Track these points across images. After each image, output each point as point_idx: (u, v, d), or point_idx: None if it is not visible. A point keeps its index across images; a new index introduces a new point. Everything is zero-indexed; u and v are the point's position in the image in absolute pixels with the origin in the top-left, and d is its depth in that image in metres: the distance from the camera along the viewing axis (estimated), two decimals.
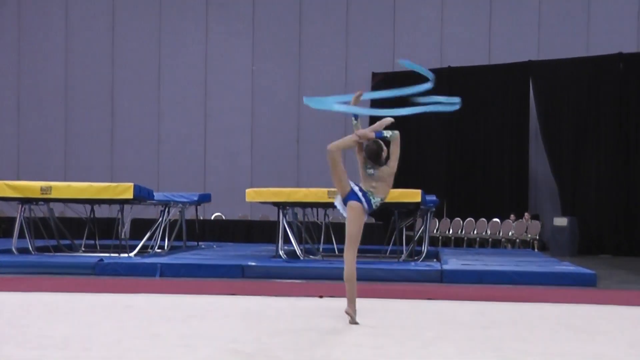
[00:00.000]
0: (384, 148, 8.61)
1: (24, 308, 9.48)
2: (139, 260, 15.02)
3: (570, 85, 24.29)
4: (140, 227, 19.56)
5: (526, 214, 24.55)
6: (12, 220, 19.09)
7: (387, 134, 8.66)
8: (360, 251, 19.06)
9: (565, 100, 24.37)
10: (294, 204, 16.44)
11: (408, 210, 16.39)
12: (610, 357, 6.75)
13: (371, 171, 8.55)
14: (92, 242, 18.87)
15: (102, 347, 6.81)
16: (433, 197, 16.48)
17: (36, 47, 30.45)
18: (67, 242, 18.47)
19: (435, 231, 24.81)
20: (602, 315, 9.66)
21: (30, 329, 7.79)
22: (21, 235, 16.78)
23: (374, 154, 8.51)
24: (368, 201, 8.54)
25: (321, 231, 18.83)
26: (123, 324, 8.29)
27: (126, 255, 15.75)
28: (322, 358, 6.45)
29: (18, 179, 25.28)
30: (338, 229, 20.46)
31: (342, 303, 10.32)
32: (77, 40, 30.33)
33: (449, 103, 9.62)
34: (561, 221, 22.55)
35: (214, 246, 20.78)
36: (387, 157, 8.58)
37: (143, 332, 7.72)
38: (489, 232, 24.73)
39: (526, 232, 24.09)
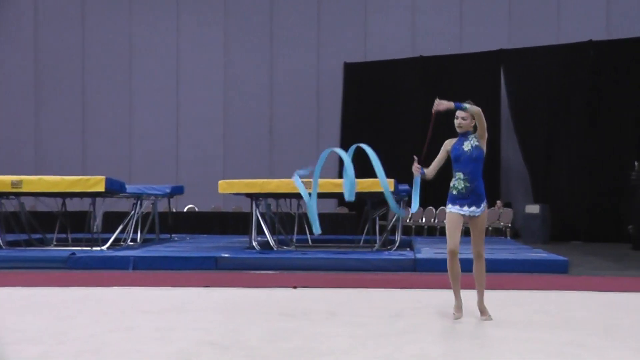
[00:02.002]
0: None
1: None
2: (112, 253, 14.94)
3: (541, 73, 24.42)
4: (112, 220, 19.49)
5: (498, 202, 24.64)
6: None
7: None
8: (333, 241, 19.20)
9: (536, 88, 24.49)
10: (266, 195, 16.42)
11: (381, 199, 16.40)
12: (584, 342, 6.79)
13: None
14: (63, 235, 18.77)
15: (76, 341, 6.76)
16: (406, 186, 16.50)
17: (5, 39, 30.19)
18: (39, 236, 18.37)
19: (408, 220, 24.86)
20: (575, 301, 9.71)
21: (2, 324, 7.72)
22: None
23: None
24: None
25: (294, 222, 18.84)
26: (97, 317, 8.24)
27: (98, 248, 15.68)
28: (299, 348, 6.45)
29: None
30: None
31: (315, 293, 10.35)
32: (47, 31, 30.10)
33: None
34: (533, 208, 22.69)
35: (187, 238, 20.72)
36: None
37: (117, 325, 7.68)
38: None
39: (498, 219, 24.19)
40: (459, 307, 8.14)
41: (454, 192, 8.13)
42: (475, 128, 8.23)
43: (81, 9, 29.95)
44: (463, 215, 8.17)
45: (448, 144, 8.47)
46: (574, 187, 23.65)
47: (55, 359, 6.05)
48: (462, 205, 8.15)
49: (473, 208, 8.20)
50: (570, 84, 23.95)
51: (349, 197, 8.56)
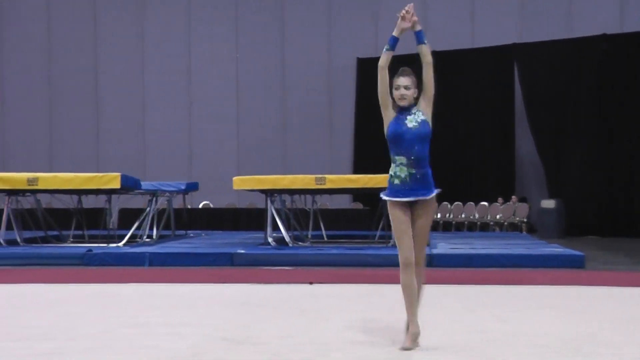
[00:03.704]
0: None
1: (11, 299, 9.45)
2: (128, 249, 14.98)
3: (554, 67, 24.30)
4: (128, 216, 19.53)
5: (513, 197, 24.60)
6: None
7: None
8: (348, 237, 19.20)
9: (549, 82, 24.39)
10: (281, 191, 16.43)
11: None
12: (599, 337, 6.77)
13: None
14: (80, 232, 18.83)
15: (89, 337, 6.79)
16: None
17: (19, 39, 30.27)
18: (55, 233, 18.44)
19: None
20: (590, 296, 9.69)
21: (17, 320, 7.76)
22: (8, 227, 16.72)
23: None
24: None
25: (309, 218, 18.85)
26: (111, 313, 8.27)
27: (114, 245, 15.71)
28: (311, 344, 6.45)
29: (3, 170, 25.19)
30: (326, 215, 20.51)
31: (331, 289, 10.36)
32: (60, 30, 30.16)
33: None
34: (548, 203, 22.62)
35: (203, 234, 20.76)
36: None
37: (131, 321, 7.70)
38: (477, 215, 24.77)
39: (514, 214, 24.14)
40: (414, 334, 6.27)
41: (396, 181, 6.30)
42: (416, 100, 6.44)
43: (93, 6, 30.01)
44: (409, 205, 6.33)
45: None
46: (589, 181, 23.55)
47: (67, 355, 6.07)
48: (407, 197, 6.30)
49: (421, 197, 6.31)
50: (584, 78, 23.84)
51: None
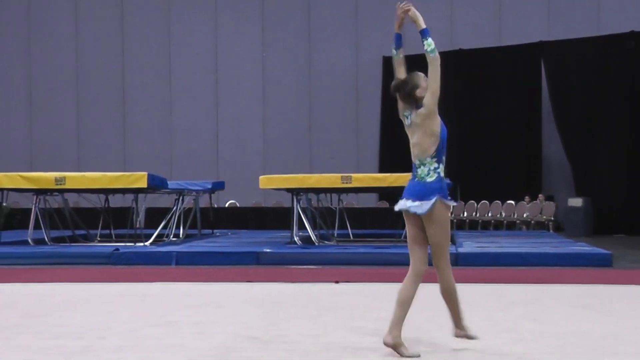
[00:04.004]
0: (419, 74, 6.48)
1: (40, 298, 9.51)
2: (155, 249, 15.06)
3: (582, 64, 24.19)
4: (154, 216, 19.60)
5: (540, 195, 24.49)
6: (27, 211, 19.15)
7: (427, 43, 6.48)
8: (374, 236, 19.20)
9: (577, 80, 24.27)
10: (307, 190, 16.44)
11: None
12: (629, 336, 6.73)
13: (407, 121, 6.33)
14: (107, 231, 18.94)
15: (117, 336, 6.83)
16: (447, 180, 16.44)
17: (46, 38, 30.46)
18: (83, 232, 18.56)
19: (450, 214, 24.72)
20: (618, 295, 9.63)
21: (46, 319, 7.81)
22: (36, 227, 16.86)
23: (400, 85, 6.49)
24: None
25: (335, 217, 18.85)
26: (139, 312, 8.31)
27: (141, 244, 15.79)
28: (339, 343, 6.45)
29: (31, 170, 25.36)
30: (352, 214, 20.51)
31: (357, 288, 10.36)
32: (87, 30, 30.33)
33: None
34: (575, 202, 22.50)
35: (229, 233, 20.81)
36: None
37: (158, 320, 7.74)
38: (503, 214, 24.69)
39: (541, 213, 24.04)
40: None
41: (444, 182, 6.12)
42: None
43: (121, 7, 30.15)
44: None
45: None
46: (617, 179, 23.42)
47: (96, 353, 6.11)
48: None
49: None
50: (611, 76, 23.71)
51: None
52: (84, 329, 7.16)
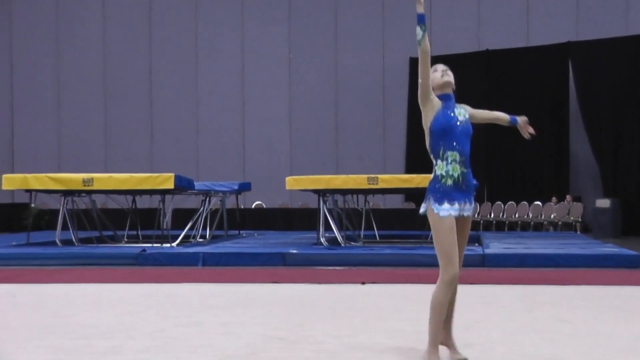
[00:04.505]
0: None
1: (69, 299, 9.58)
2: (182, 249, 15.09)
3: (610, 65, 24.05)
4: (181, 217, 19.68)
5: (568, 196, 24.36)
6: (55, 212, 19.29)
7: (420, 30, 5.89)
8: (401, 237, 19.16)
9: (605, 80, 24.14)
10: (333, 191, 16.44)
11: None
12: None
13: None
14: (134, 232, 19.01)
15: (146, 336, 6.86)
16: (473, 181, 16.38)
17: (74, 39, 30.66)
18: (110, 233, 18.65)
19: (476, 215, 24.69)
20: None
21: (75, 319, 7.87)
22: (64, 227, 16.95)
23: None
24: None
25: (362, 217, 18.85)
26: (166, 312, 8.35)
27: (168, 245, 15.84)
28: (365, 344, 6.46)
29: (59, 171, 25.55)
30: (378, 215, 20.50)
31: (383, 289, 10.35)
32: (115, 31, 30.50)
33: None
34: (603, 202, 22.35)
35: (255, 234, 20.84)
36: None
37: (186, 320, 7.77)
38: (530, 215, 24.58)
39: (568, 214, 23.91)
40: (450, 345, 5.79)
41: (449, 182, 5.58)
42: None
43: (148, 9, 30.29)
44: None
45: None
46: None
47: (125, 353, 6.14)
48: (459, 203, 5.60)
49: (468, 205, 5.69)
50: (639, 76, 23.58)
51: None
52: (112, 330, 7.21)
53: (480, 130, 26.63)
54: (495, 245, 15.50)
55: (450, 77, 5.81)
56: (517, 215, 24.73)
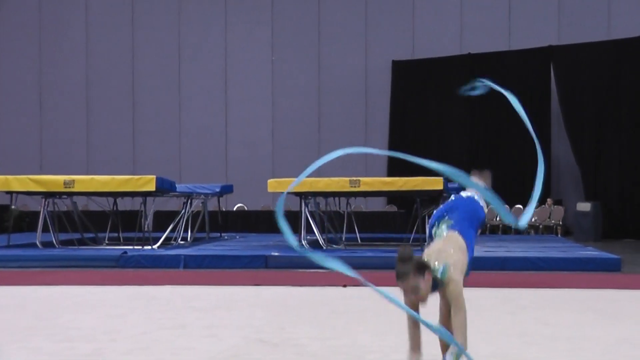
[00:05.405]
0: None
1: (50, 301, 9.55)
2: (163, 252, 15.07)
3: (592, 69, 24.15)
4: (163, 219, 19.63)
5: (549, 199, 24.44)
6: (36, 214, 19.18)
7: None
8: (382, 239, 19.18)
9: (587, 84, 24.23)
10: (315, 194, 16.44)
11: (430, 197, 16.36)
12: (637, 341, 6.73)
13: None
14: (115, 234, 18.96)
15: (129, 338, 6.85)
16: (455, 184, 16.43)
17: (57, 41, 30.54)
18: (91, 235, 18.57)
19: None
20: (627, 300, 9.62)
21: (58, 322, 7.85)
22: (45, 229, 16.87)
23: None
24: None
25: (343, 220, 18.86)
26: (149, 315, 8.33)
27: (150, 247, 15.82)
28: (347, 346, 6.46)
29: (41, 173, 25.42)
30: (360, 218, 20.52)
31: (365, 291, 10.35)
32: (98, 32, 30.39)
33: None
34: (584, 206, 22.44)
35: (237, 237, 20.84)
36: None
37: (169, 323, 7.76)
38: None
39: (549, 217, 24.00)
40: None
41: None
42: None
43: (131, 11, 30.20)
44: None
45: None
46: (626, 184, 23.39)
47: (108, 356, 6.13)
48: None
49: None
50: (621, 80, 23.66)
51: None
52: (95, 332, 7.19)
53: (463, 133, 26.75)
54: (477, 248, 15.50)
55: (409, 296, 5.31)
56: (498, 219, 24.80)
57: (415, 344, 5.38)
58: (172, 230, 17.42)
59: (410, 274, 5.05)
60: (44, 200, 16.81)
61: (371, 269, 13.32)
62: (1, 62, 30.79)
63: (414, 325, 5.34)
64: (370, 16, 28.34)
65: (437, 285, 5.10)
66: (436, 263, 5.15)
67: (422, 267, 5.05)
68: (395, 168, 25.90)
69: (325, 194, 16.89)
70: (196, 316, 8.18)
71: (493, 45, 26.10)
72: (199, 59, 29.71)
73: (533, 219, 24.00)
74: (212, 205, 21.00)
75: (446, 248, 5.30)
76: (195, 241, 18.53)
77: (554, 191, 25.41)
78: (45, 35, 30.56)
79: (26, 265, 14.11)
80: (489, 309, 8.68)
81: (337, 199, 18.51)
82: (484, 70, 25.35)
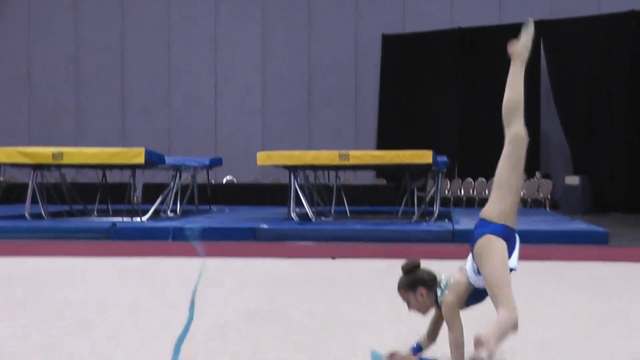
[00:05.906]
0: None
1: (39, 272, 9.54)
2: (152, 224, 15.06)
3: (583, 44, 24.14)
4: (152, 191, 19.63)
5: (537, 173, 24.51)
6: (24, 186, 19.15)
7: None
8: (371, 212, 19.21)
9: (577, 59, 24.23)
10: (305, 167, 16.44)
11: (419, 170, 16.38)
12: (624, 313, 6.77)
13: None
14: (104, 206, 18.95)
15: (118, 310, 6.85)
16: (444, 158, 16.45)
17: (46, 12, 30.38)
18: (80, 207, 18.56)
19: (446, 192, 24.80)
20: (614, 273, 9.67)
21: (46, 293, 7.84)
22: (34, 201, 16.84)
23: None
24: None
25: (333, 193, 18.89)
26: (138, 287, 8.34)
27: (139, 219, 15.81)
28: (336, 318, 6.48)
29: (29, 145, 25.36)
30: (349, 191, 20.54)
31: (354, 263, 10.39)
32: (87, 5, 30.24)
33: None
34: (573, 180, 22.51)
35: (226, 210, 20.83)
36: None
37: (158, 294, 7.77)
38: None
39: (538, 191, 24.07)
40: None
41: None
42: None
43: None
44: None
45: None
46: (614, 158, 23.46)
47: (96, 327, 6.13)
48: None
49: None
50: (612, 55, 23.68)
51: None
52: (83, 303, 7.19)
53: (452, 105, 26.70)
54: (465, 222, 15.57)
55: (410, 309, 5.23)
56: (487, 192, 24.85)
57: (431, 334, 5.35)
58: (161, 203, 17.41)
59: (401, 288, 5.15)
60: (32, 172, 16.77)
61: (360, 242, 13.40)
62: None
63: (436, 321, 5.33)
64: None
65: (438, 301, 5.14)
66: (443, 277, 5.28)
67: (415, 284, 5.13)
68: (385, 142, 25.94)
69: (315, 167, 16.89)
70: (185, 288, 8.19)
71: (483, 19, 26.06)
72: (188, 32, 29.60)
73: (521, 192, 24.06)
74: (201, 178, 20.99)
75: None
76: (184, 213, 18.53)
77: (543, 165, 25.50)
78: (34, 9, 30.40)
79: (15, 237, 14.08)
80: None
81: (326, 172, 18.52)
82: (473, 44, 25.38)
